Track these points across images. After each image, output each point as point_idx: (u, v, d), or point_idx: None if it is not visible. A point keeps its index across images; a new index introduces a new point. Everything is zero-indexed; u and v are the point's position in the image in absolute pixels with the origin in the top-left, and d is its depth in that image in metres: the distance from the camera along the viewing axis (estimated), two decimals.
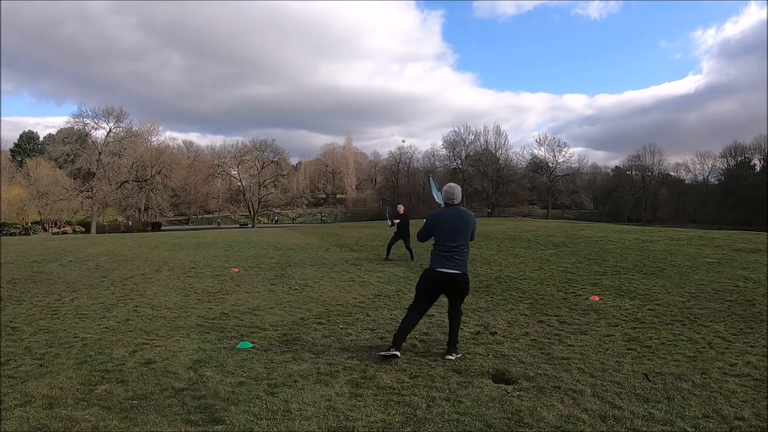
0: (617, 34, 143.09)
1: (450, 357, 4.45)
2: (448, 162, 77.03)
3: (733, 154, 67.22)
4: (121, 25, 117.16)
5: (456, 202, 4.64)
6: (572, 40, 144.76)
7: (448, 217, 4.58)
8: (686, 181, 74.39)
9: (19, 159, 67.12)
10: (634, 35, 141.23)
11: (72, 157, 56.28)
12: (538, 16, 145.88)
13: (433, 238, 4.65)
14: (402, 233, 12.34)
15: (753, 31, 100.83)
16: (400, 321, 4.76)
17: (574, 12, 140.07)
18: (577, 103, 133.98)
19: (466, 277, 4.57)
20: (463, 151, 74.70)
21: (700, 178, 72.28)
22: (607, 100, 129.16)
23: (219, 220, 72.74)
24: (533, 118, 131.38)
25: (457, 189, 4.66)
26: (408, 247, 12.32)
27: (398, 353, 4.42)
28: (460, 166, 73.52)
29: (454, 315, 4.64)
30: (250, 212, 67.63)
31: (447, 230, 4.52)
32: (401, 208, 12.93)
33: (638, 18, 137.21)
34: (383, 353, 4.46)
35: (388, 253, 12.39)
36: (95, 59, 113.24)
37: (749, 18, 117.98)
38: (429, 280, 4.57)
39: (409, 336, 4.86)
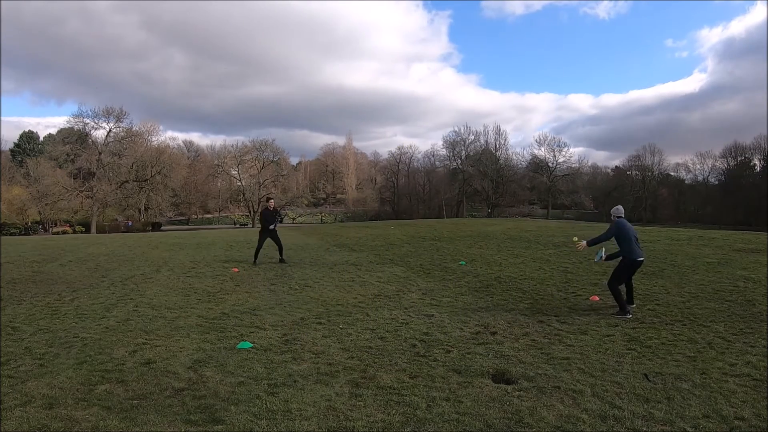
0: (624, 33, 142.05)
1: (633, 305, 6.51)
2: (448, 162, 77.03)
3: (733, 154, 67.17)
4: (124, 24, 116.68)
5: (623, 216, 6.68)
6: (580, 40, 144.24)
7: (627, 224, 6.59)
8: (686, 181, 74.36)
9: (19, 159, 67.07)
10: (640, 34, 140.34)
11: (72, 157, 56.17)
12: (546, 16, 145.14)
13: (614, 238, 6.58)
14: (273, 232, 11.34)
15: (758, 29, 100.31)
16: (615, 295, 6.32)
17: (583, 11, 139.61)
18: (582, 102, 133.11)
19: None
20: (463, 151, 74.65)
21: (700, 178, 72.26)
22: (611, 100, 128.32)
23: (236, 220, 71.90)
24: (538, 118, 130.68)
25: (622, 207, 6.82)
26: (281, 245, 11.49)
27: (630, 314, 6.18)
28: (460, 166, 73.50)
29: (630, 283, 6.70)
30: (250, 212, 67.61)
31: (632, 232, 6.53)
32: (272, 204, 11.81)
33: (646, 17, 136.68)
34: (629, 316, 6.06)
35: (257, 257, 11.41)
36: (97, 58, 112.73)
37: (755, 17, 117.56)
38: (635, 266, 6.51)
39: (408, 336, 5.26)
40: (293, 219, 73.82)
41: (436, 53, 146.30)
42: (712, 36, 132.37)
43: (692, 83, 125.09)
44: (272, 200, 12.33)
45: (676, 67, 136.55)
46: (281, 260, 11.49)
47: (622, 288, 6.52)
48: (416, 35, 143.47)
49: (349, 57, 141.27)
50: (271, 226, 11.29)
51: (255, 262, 11.34)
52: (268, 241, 11.54)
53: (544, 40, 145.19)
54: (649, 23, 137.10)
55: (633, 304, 6.57)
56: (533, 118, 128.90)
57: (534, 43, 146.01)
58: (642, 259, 6.59)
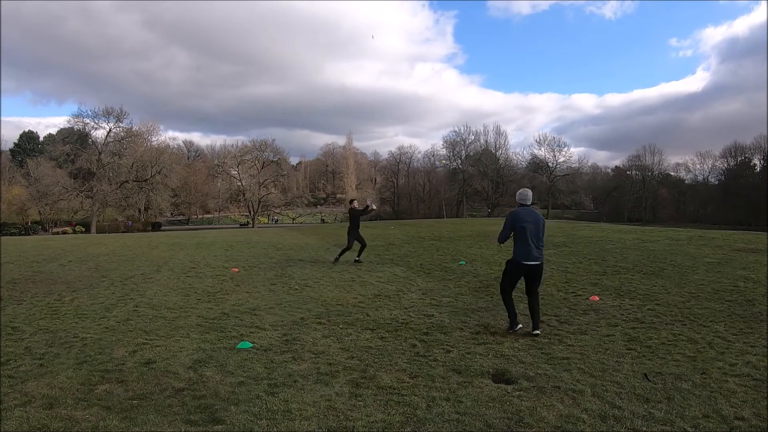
0: (629, 32, 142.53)
1: (537, 332, 5.17)
2: (447, 162, 77.06)
3: (733, 154, 67.21)
4: (126, 23, 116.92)
5: (528, 204, 5.39)
6: (585, 40, 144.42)
7: (525, 215, 5.29)
8: (686, 181, 74.40)
9: (20, 159, 67.07)
10: (645, 33, 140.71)
11: (72, 157, 56.24)
12: (552, 15, 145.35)
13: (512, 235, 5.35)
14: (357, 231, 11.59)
15: (761, 28, 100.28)
16: (503, 301, 5.56)
17: (589, 11, 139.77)
18: (586, 102, 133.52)
19: (542, 266, 5.40)
20: (463, 151, 74.74)
21: (700, 178, 72.33)
22: (615, 100, 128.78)
23: (247, 221, 70.75)
24: (540, 118, 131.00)
25: (529, 192, 5.49)
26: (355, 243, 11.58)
27: (521, 325, 5.36)
28: (460, 166, 73.53)
29: (533, 299, 5.41)
30: (250, 212, 67.59)
31: (529, 226, 5.22)
32: (356, 204, 12.05)
33: (651, 17, 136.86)
34: (516, 329, 5.30)
35: (359, 253, 11.74)
36: (98, 57, 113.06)
37: (759, 16, 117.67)
38: (520, 271, 5.35)
39: (408, 336, 5.27)
40: (293, 219, 73.82)
41: (440, 53, 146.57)
42: (716, 35, 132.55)
43: (695, 82, 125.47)
44: (355, 201, 12.42)
45: (680, 66, 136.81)
46: (358, 260, 11.54)
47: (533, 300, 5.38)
48: (421, 35, 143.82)
49: (352, 57, 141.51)
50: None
51: (360, 258, 11.60)
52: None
53: (549, 40, 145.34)
54: (654, 22, 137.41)
55: (537, 330, 5.16)
56: (536, 118, 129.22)
57: (539, 43, 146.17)
58: (530, 263, 5.21)
